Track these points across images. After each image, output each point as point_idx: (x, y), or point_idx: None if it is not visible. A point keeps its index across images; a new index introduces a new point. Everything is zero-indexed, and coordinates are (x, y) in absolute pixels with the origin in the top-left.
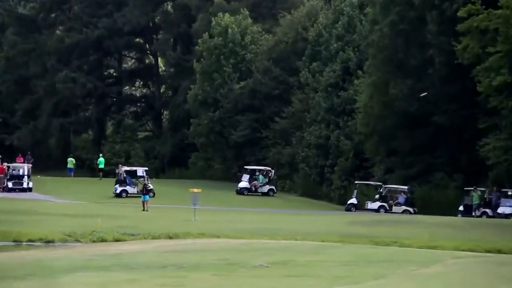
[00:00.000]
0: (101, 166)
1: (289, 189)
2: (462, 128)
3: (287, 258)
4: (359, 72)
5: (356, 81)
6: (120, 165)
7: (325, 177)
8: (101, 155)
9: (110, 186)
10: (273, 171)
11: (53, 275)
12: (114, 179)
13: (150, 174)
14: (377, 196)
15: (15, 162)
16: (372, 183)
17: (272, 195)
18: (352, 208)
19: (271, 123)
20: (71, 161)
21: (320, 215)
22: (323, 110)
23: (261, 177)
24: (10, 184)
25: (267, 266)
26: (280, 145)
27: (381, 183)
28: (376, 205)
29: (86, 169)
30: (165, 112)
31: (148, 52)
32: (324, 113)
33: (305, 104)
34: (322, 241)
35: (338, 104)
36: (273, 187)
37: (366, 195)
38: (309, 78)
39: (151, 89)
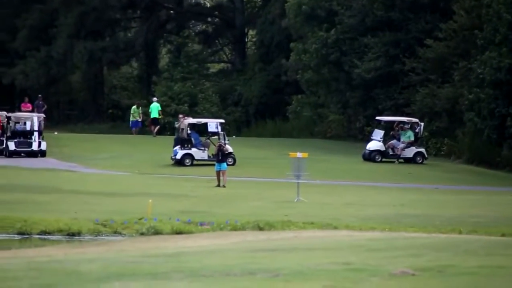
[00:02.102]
0: (155, 115)
1: (448, 152)
2: None
3: (444, 262)
4: None
5: None
6: (181, 116)
7: (507, 133)
8: (154, 99)
9: (167, 147)
10: (422, 124)
11: (80, 286)
12: (173, 138)
13: (228, 129)
14: None
15: (19, 110)
16: None
17: (421, 162)
18: None
19: (420, 48)
20: (135, 111)
21: (499, 194)
22: (505, 25)
23: (407, 133)
24: (12, 145)
25: (413, 274)
26: (435, 82)
27: None
28: None
29: (129, 121)
30: (251, 33)
31: None
32: (507, 29)
33: (475, 17)
34: (502, 235)
35: None
36: (423, 150)
37: None
38: None
39: None
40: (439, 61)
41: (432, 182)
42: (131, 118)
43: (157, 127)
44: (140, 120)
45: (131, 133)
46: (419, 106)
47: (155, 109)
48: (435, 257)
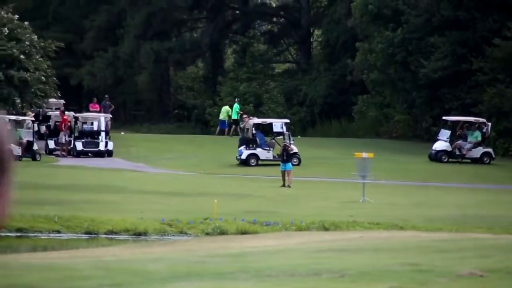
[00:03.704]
0: (234, 116)
1: None
2: None
3: None
4: None
5: None
6: (245, 116)
7: None
8: (237, 99)
9: (232, 147)
10: (489, 124)
11: (147, 285)
12: (237, 138)
13: (293, 129)
14: None
15: (87, 111)
16: None
17: (488, 163)
18: None
19: (488, 47)
20: (225, 110)
21: None
22: None
23: (474, 133)
24: (79, 145)
25: (481, 276)
26: (503, 82)
27: None
28: None
29: (195, 121)
30: (316, 33)
31: None
32: None
33: None
34: None
35: None
36: (490, 150)
37: None
38: None
39: None
40: (507, 61)
41: (500, 183)
42: (221, 117)
43: (232, 128)
44: (226, 120)
45: (199, 132)
46: (487, 106)
47: (235, 110)
48: (504, 258)
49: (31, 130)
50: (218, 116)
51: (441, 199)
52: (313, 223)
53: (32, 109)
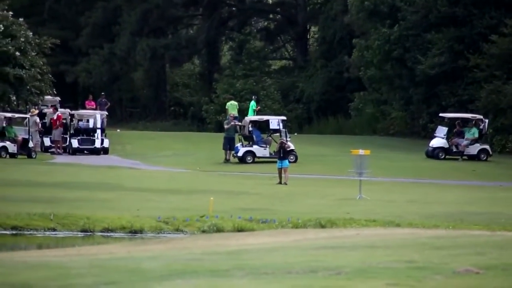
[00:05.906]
0: (251, 113)
1: None
2: None
3: (509, 260)
4: None
5: None
6: (231, 115)
7: None
8: (254, 97)
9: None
10: (486, 121)
11: (143, 283)
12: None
13: (290, 126)
14: None
15: (83, 108)
16: None
17: (485, 159)
18: None
19: (485, 44)
20: (233, 106)
21: None
22: None
23: (471, 130)
24: (75, 143)
25: (477, 273)
26: (499, 79)
27: None
28: None
29: (191, 118)
30: (313, 29)
31: None
32: None
33: None
34: None
35: None
36: (487, 147)
37: None
38: None
39: None
40: (504, 57)
41: (497, 180)
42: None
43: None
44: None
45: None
46: (484, 103)
47: (251, 107)
48: (500, 255)
49: (27, 127)
50: (215, 114)
51: (438, 196)
52: (310, 220)
53: (36, 107)
